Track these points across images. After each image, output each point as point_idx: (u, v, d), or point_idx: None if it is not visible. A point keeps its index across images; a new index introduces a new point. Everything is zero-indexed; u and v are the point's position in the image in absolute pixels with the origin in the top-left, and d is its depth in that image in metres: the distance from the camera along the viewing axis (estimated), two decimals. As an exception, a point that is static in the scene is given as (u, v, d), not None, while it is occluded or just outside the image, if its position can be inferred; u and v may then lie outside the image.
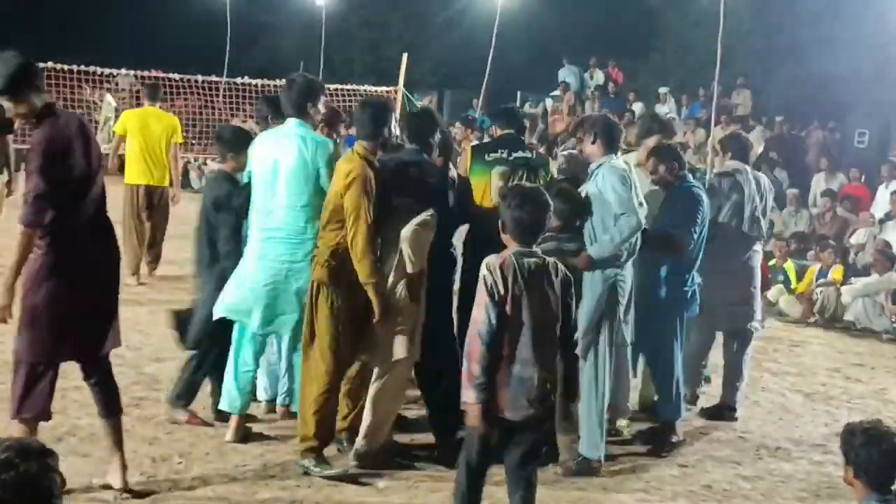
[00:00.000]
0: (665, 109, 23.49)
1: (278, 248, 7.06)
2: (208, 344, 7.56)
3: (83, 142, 5.89)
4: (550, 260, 5.49)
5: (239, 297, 7.18)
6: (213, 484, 6.58)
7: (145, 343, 9.85)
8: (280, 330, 7.28)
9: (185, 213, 16.17)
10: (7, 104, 5.78)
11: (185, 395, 7.68)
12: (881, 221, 15.97)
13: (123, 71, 23.23)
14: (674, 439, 7.92)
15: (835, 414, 9.34)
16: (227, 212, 7.42)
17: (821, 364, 11.43)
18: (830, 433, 8.59)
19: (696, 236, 7.88)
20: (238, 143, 7.62)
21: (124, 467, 6.16)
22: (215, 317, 7.28)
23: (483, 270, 5.34)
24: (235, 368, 7.33)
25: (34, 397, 5.88)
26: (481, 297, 5.28)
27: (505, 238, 5.50)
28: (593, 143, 7.34)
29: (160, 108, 13.07)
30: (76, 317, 5.90)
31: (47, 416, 5.98)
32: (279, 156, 7.03)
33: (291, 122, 7.13)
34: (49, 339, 5.85)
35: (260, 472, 6.84)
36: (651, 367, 8.10)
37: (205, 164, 23.50)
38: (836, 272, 14.05)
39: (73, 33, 28.41)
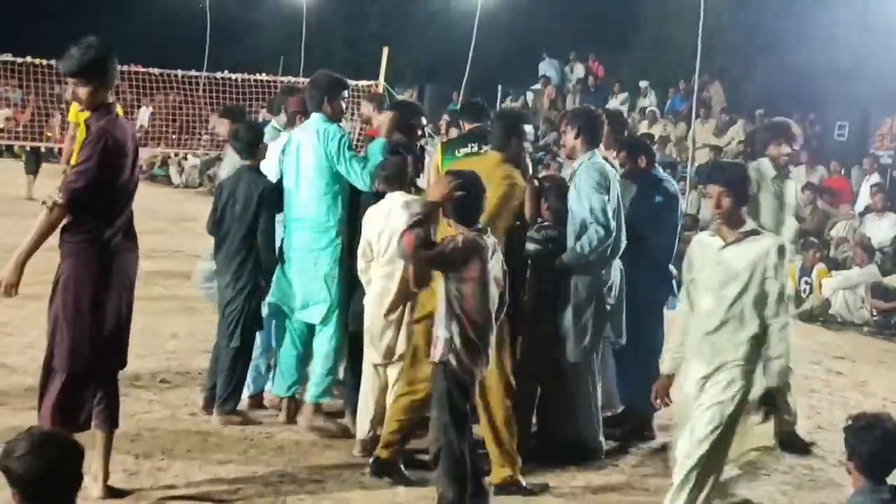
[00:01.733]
0: (646, 103, 23.52)
1: (305, 237, 7.45)
2: (248, 339, 7.67)
3: (133, 149, 5.91)
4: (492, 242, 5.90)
5: (278, 286, 7.61)
6: (195, 480, 6.56)
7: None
8: (312, 317, 7.53)
9: (155, 206, 16.17)
10: (75, 86, 5.76)
11: (232, 396, 7.69)
12: (861, 214, 16.02)
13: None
14: (647, 434, 7.95)
15: (816, 406, 9.37)
16: (269, 206, 7.55)
17: (802, 357, 11.40)
18: (812, 426, 8.62)
19: (671, 229, 7.95)
20: (257, 138, 7.80)
21: (106, 477, 6.10)
22: (266, 305, 7.69)
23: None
24: (279, 355, 7.75)
25: (70, 408, 5.77)
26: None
27: (449, 223, 5.90)
28: (576, 137, 7.31)
29: None
30: (115, 326, 5.87)
31: (85, 426, 5.89)
32: (301, 149, 7.51)
33: (314, 117, 7.59)
34: (90, 348, 5.77)
35: (243, 467, 6.81)
36: (633, 361, 8.05)
37: (185, 158, 23.43)
38: (820, 273, 14.02)
39: (50, 27, 28.21)
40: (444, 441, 5.82)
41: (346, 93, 7.67)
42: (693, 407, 5.73)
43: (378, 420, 7.05)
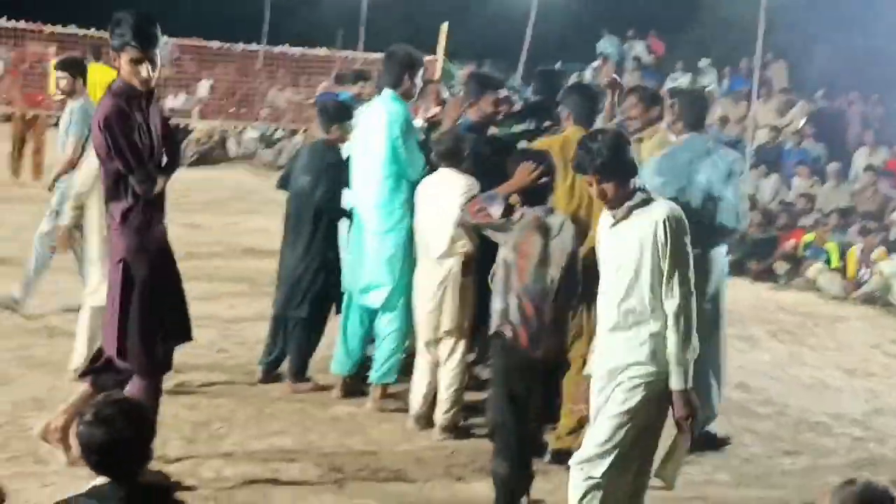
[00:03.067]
0: (706, 81, 23.27)
1: (369, 218, 7.27)
2: (318, 310, 7.72)
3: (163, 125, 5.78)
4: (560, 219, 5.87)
5: (346, 267, 7.55)
6: (252, 449, 6.61)
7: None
8: (373, 301, 7.39)
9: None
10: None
11: (303, 366, 7.79)
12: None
13: (163, 39, 23.23)
14: None
15: (875, 390, 9.27)
16: (336, 181, 7.53)
17: (861, 340, 11.32)
18: (870, 409, 8.54)
19: None
20: (341, 115, 7.75)
21: None
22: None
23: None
24: (343, 335, 7.61)
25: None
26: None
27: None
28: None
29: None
30: (179, 301, 5.85)
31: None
32: (367, 127, 7.31)
33: (385, 94, 7.33)
34: (162, 348, 5.71)
35: (299, 437, 6.86)
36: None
37: (244, 130, 23.49)
38: (879, 254, 13.82)
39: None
40: (499, 420, 5.82)
41: (421, 71, 7.42)
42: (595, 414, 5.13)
43: (430, 396, 7.07)
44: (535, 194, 5.85)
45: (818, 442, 7.69)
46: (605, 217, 5.14)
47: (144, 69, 5.44)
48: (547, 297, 5.73)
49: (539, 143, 6.78)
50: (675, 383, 4.87)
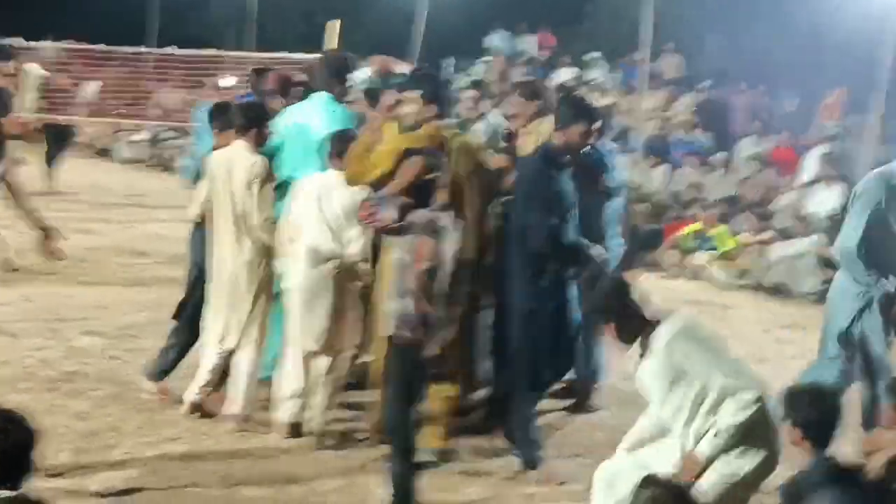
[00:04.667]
0: (596, 74, 23.52)
1: None
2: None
3: None
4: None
5: None
6: (144, 457, 6.54)
7: (75, 316, 9.70)
8: None
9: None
10: None
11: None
12: (807, 185, 16.13)
13: (48, 43, 22.72)
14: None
15: (767, 376, 9.42)
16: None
17: (752, 327, 11.55)
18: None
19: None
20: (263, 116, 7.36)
21: None
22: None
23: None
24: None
25: None
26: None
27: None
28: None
29: None
30: None
31: None
32: (304, 127, 7.31)
33: (320, 96, 7.44)
34: None
35: (193, 445, 6.80)
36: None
37: (134, 131, 23.14)
38: (762, 235, 14.18)
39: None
40: (397, 420, 5.85)
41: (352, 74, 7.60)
42: None
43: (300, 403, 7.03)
44: (422, 192, 5.86)
45: (709, 428, 7.80)
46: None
47: None
48: (441, 297, 5.77)
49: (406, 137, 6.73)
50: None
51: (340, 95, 7.50)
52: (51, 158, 17.00)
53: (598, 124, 7.05)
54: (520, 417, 6.78)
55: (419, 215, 5.78)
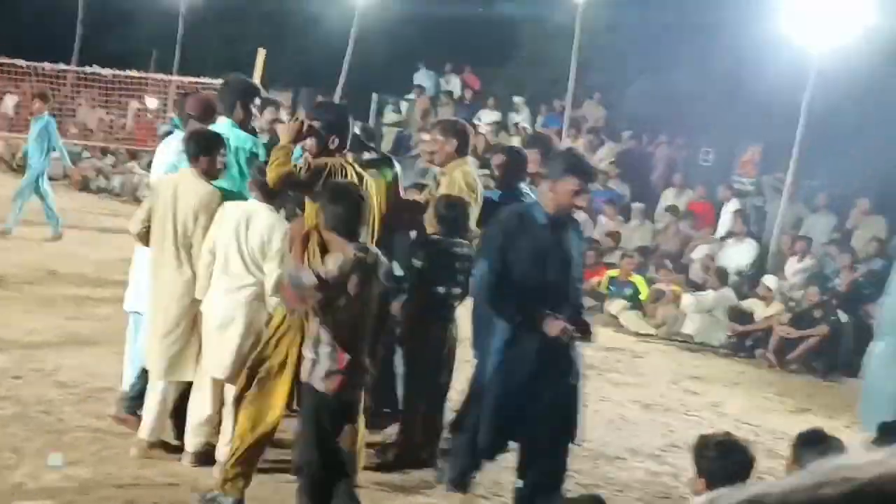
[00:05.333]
0: (519, 118, 23.74)
1: None
2: None
3: None
4: (376, 256, 5.76)
5: None
6: (43, 480, 6.40)
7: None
8: None
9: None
10: None
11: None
12: (722, 238, 16.41)
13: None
14: None
15: (671, 425, 9.55)
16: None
17: (660, 376, 11.67)
18: (667, 444, 8.79)
19: None
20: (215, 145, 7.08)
21: None
22: None
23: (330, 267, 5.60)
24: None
25: None
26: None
27: (329, 236, 5.73)
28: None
29: None
30: None
31: None
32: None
33: (222, 122, 7.28)
34: None
35: (95, 468, 6.67)
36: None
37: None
38: (674, 286, 14.40)
39: None
40: (306, 459, 5.80)
41: (258, 100, 7.42)
42: None
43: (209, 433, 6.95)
44: (345, 226, 5.80)
45: (616, 475, 7.87)
46: None
47: None
48: (364, 336, 5.75)
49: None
50: None
51: (242, 120, 7.32)
52: None
53: (591, 184, 6.50)
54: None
55: (347, 251, 5.69)
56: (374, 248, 5.89)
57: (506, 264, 6.16)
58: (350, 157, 7.07)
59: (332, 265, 5.60)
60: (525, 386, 6.15)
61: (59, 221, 14.91)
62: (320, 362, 5.63)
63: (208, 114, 7.94)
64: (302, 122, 6.59)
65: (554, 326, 5.94)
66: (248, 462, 6.30)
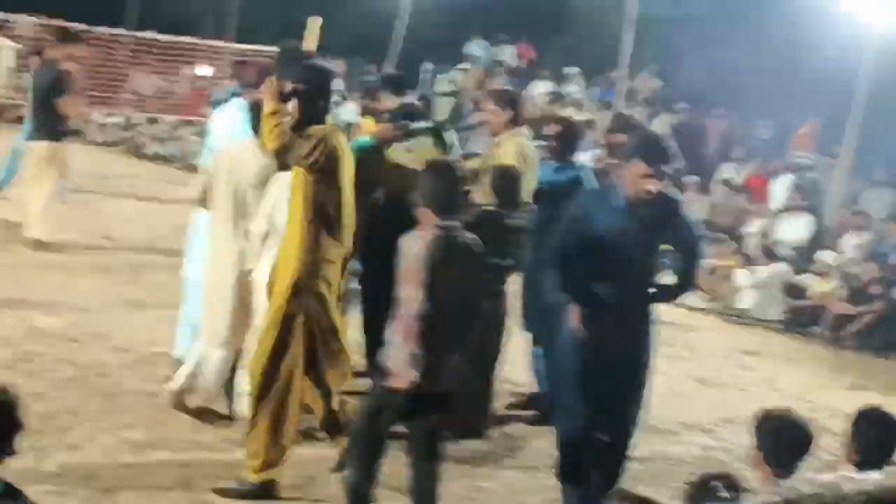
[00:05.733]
0: (573, 89, 23.57)
1: None
2: None
3: None
4: (470, 236, 5.49)
5: None
6: (98, 442, 6.46)
7: (34, 296, 9.59)
8: None
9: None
10: None
11: None
12: (777, 213, 16.22)
13: (25, 18, 22.52)
14: None
15: (725, 400, 9.48)
16: None
17: (714, 351, 11.58)
18: (720, 418, 8.73)
19: None
20: None
21: None
22: None
23: (407, 248, 5.34)
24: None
25: None
26: (411, 274, 5.29)
27: (421, 212, 5.47)
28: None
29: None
30: None
31: None
32: None
33: None
34: None
35: (150, 432, 6.73)
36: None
37: (108, 114, 22.99)
38: (729, 261, 14.25)
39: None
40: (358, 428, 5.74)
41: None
42: None
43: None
44: (444, 205, 5.48)
45: (668, 449, 7.83)
46: None
47: None
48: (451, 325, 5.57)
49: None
50: None
51: None
52: None
53: (662, 168, 5.97)
54: None
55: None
56: (469, 233, 5.60)
57: (573, 245, 6.02)
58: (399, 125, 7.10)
59: (417, 245, 5.38)
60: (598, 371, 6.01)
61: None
62: (395, 354, 5.43)
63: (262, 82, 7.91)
64: (281, 83, 6.20)
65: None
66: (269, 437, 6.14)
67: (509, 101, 7.78)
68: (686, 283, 6.51)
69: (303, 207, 6.03)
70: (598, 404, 6.04)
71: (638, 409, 6.26)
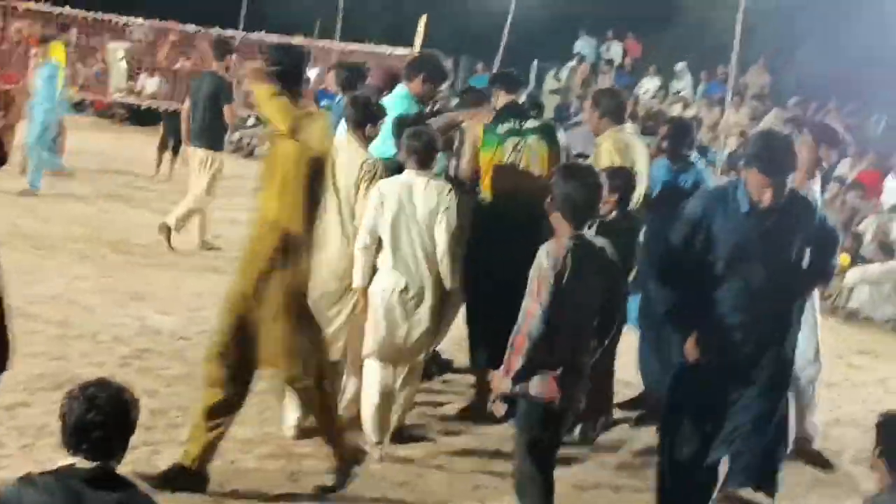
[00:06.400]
0: (681, 85, 23.36)
1: None
2: None
3: None
4: (603, 243, 5.30)
5: None
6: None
7: (150, 294, 9.81)
8: None
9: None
10: None
11: None
12: (891, 210, 15.86)
13: (139, 21, 22.98)
14: None
15: (836, 401, 9.30)
16: None
17: (825, 350, 11.31)
18: (831, 419, 8.57)
19: None
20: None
21: None
22: None
23: (543, 257, 5.11)
24: None
25: None
26: (540, 286, 5.09)
27: (555, 218, 5.26)
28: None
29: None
30: None
31: None
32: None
33: (399, 88, 7.67)
34: None
35: (257, 429, 6.83)
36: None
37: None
38: (842, 259, 13.96)
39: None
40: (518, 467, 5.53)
41: (443, 85, 7.88)
42: None
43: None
44: (578, 213, 5.26)
45: (777, 450, 7.69)
46: None
47: None
48: (583, 336, 5.44)
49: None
50: None
51: (418, 93, 7.57)
52: (171, 146, 17.28)
53: (782, 179, 5.40)
54: None
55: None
56: (600, 238, 5.35)
57: (687, 249, 5.57)
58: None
59: (547, 254, 5.13)
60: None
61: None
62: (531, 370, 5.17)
63: (391, 85, 8.04)
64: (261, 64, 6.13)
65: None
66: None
67: (603, 100, 7.73)
68: (818, 275, 5.95)
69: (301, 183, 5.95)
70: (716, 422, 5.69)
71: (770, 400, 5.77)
